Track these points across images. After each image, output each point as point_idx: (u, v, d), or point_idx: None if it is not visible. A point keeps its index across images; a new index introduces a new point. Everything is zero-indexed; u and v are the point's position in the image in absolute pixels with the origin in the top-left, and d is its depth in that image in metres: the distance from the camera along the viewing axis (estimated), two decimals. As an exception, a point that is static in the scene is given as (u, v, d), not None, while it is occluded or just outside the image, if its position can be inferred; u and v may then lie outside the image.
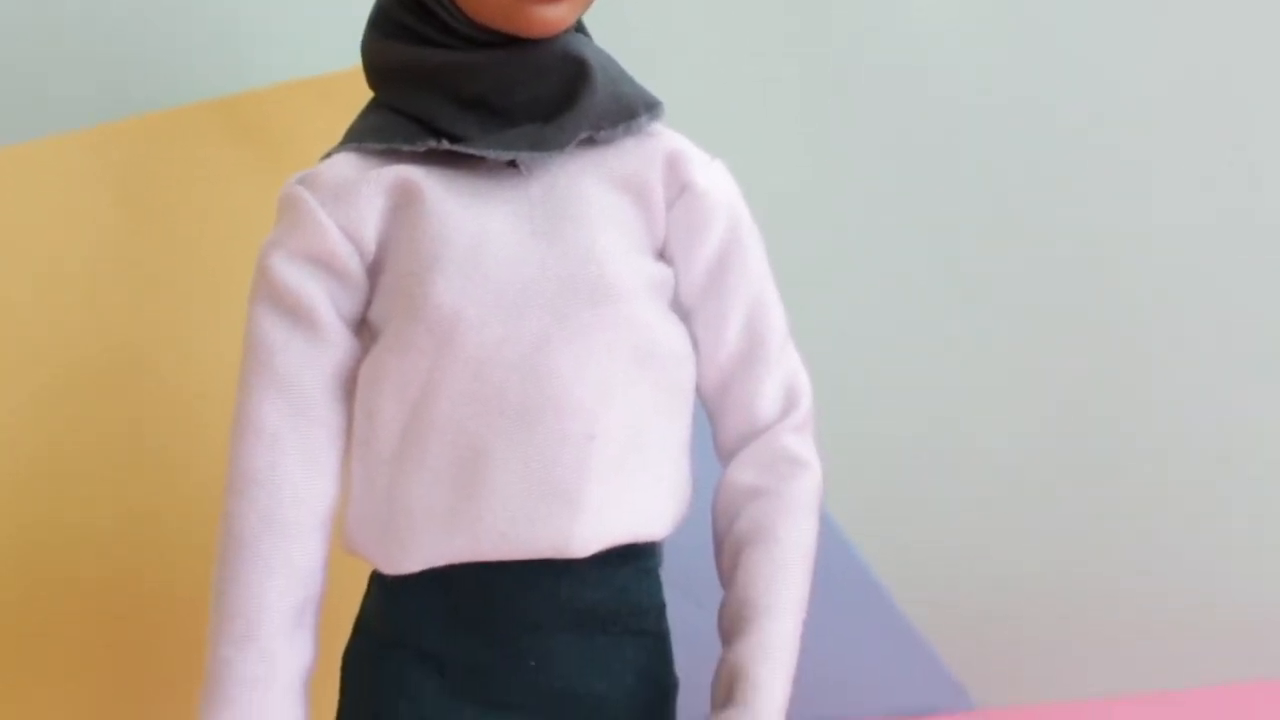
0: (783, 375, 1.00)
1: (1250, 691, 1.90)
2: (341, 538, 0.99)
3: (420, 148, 0.94)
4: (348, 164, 0.95)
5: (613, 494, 0.93)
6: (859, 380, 1.65)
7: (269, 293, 0.95)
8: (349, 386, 0.96)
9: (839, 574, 1.74)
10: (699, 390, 1.00)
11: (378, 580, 0.99)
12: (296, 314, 0.94)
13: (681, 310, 0.99)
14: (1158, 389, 1.71)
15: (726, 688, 0.95)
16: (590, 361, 0.92)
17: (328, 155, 0.97)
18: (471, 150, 0.93)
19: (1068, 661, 1.85)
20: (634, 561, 0.97)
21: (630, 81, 0.98)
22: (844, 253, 1.64)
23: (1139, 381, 1.71)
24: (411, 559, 0.93)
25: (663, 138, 0.98)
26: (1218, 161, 1.65)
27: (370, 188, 0.94)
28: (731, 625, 0.97)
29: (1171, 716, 1.86)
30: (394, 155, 0.95)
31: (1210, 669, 1.86)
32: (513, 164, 0.94)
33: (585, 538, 0.92)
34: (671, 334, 0.97)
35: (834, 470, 1.50)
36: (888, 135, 1.59)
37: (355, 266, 0.94)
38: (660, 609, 1.00)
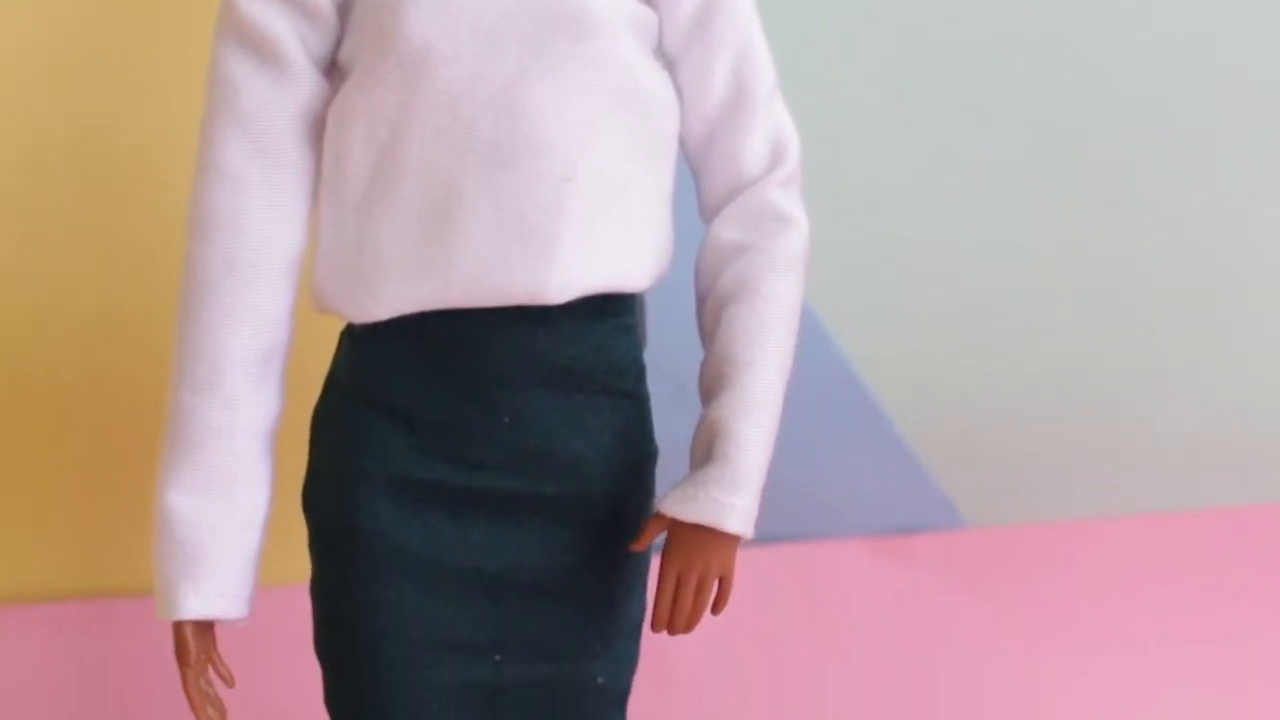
0: (770, 127, 0.96)
1: (1248, 515, 1.88)
2: (310, 296, 0.95)
3: None
4: None
5: (590, 240, 0.90)
6: (854, 184, 1.61)
7: (234, 29, 0.91)
8: (317, 130, 0.92)
9: (829, 385, 1.71)
10: (683, 145, 0.97)
11: (348, 335, 0.96)
12: (263, 51, 0.90)
13: (666, 60, 0.95)
14: (1163, 198, 1.66)
15: (705, 445, 0.92)
16: (568, 100, 0.88)
17: None
18: None
19: (1061, 481, 1.83)
20: (612, 317, 0.94)
21: None
22: (838, 55, 1.59)
23: (1144, 190, 1.66)
24: (381, 305, 0.90)
25: None
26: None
27: None
28: (712, 383, 0.93)
29: (1167, 540, 1.85)
30: None
31: (1208, 492, 1.84)
32: None
33: (560, 283, 0.89)
34: (654, 78, 0.93)
35: (825, 278, 1.47)
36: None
37: (325, 2, 0.90)
38: (640, 371, 0.97)
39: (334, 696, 0.96)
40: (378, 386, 0.93)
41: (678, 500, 0.91)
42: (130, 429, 1.44)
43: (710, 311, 0.96)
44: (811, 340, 1.68)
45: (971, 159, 1.63)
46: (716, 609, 0.95)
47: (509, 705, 0.96)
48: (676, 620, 0.94)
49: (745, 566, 1.84)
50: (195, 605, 0.91)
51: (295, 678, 1.75)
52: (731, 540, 0.92)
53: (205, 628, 0.94)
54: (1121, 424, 1.78)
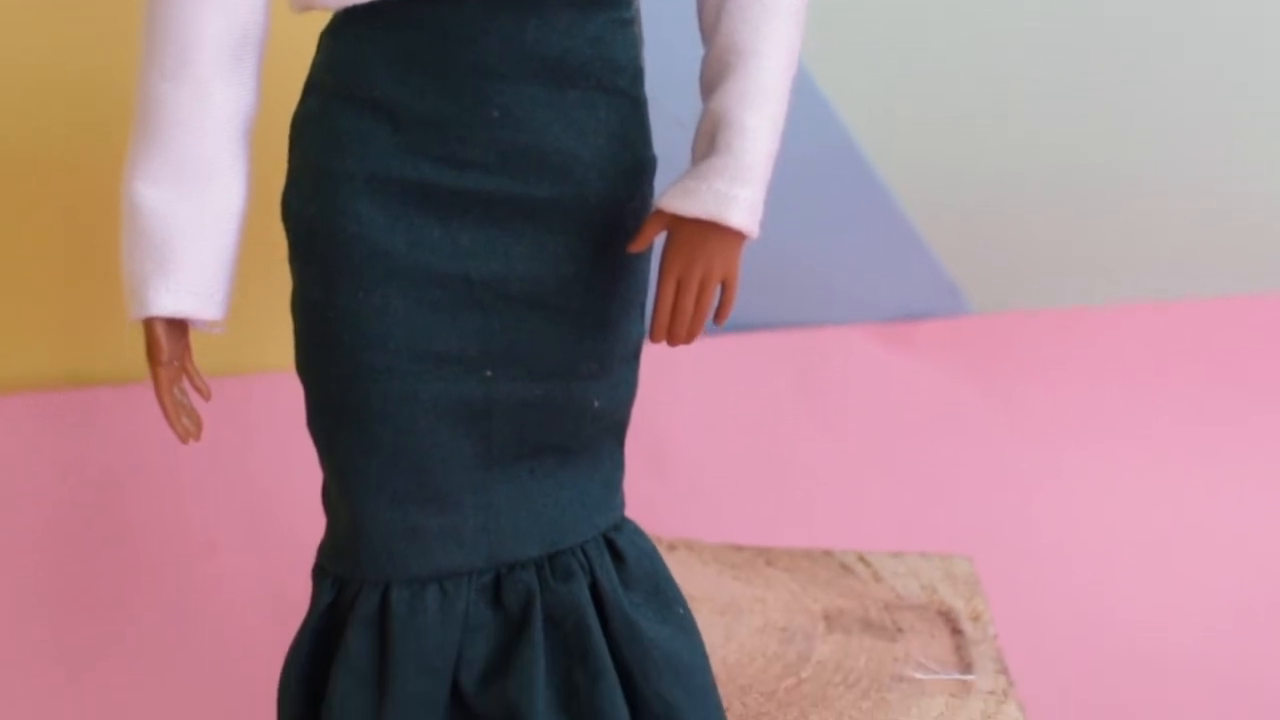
0: None
1: (1252, 304, 1.83)
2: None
3: None
4: None
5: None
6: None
7: None
8: None
9: (830, 159, 1.66)
10: None
11: (328, 34, 0.90)
12: None
13: None
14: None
15: (708, 138, 0.87)
16: None
17: None
18: None
19: (1067, 268, 1.79)
20: (608, 9, 0.88)
21: None
22: None
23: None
24: None
25: None
26: None
27: None
28: (714, 76, 0.88)
29: (1172, 328, 1.81)
30: None
31: (1212, 280, 1.79)
32: None
33: None
34: None
35: (836, 60, 1.41)
36: None
37: None
38: (638, 71, 0.91)
39: (317, 415, 0.92)
40: (358, 81, 0.87)
41: (678, 195, 0.86)
42: (112, 215, 1.40)
43: (710, 6, 0.90)
44: (810, 108, 1.63)
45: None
46: (719, 317, 0.90)
47: (500, 425, 0.92)
48: (677, 328, 0.89)
49: (743, 354, 1.81)
50: (166, 302, 0.86)
51: (287, 465, 1.72)
52: (735, 238, 0.87)
53: (178, 330, 0.89)
54: (1128, 211, 1.74)
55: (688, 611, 0.99)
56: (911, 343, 1.76)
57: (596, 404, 0.94)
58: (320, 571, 0.95)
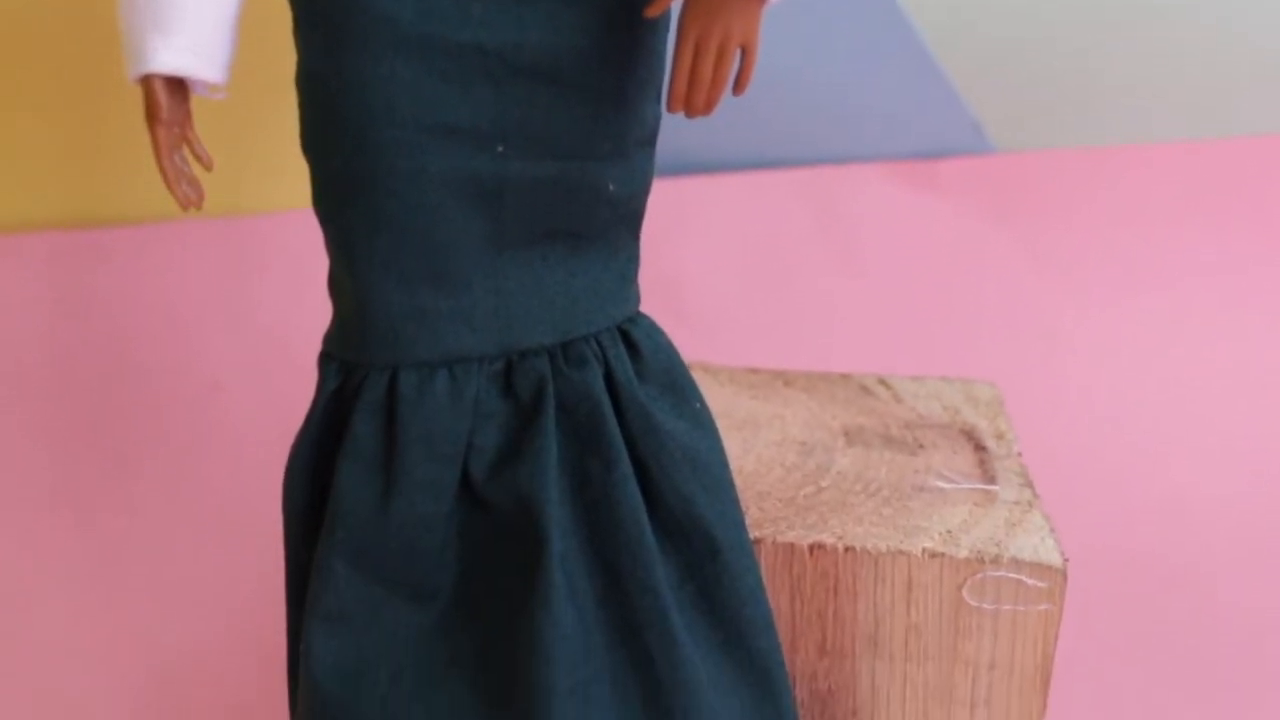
0: None
1: (1274, 144, 1.79)
2: None
3: None
4: None
5: None
6: None
7: None
8: None
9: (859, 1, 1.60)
10: None
11: None
12: None
13: None
14: None
15: None
16: None
17: None
18: None
19: (1094, 106, 1.73)
20: None
21: None
22: None
23: None
24: None
25: None
26: None
27: None
28: None
29: (1201, 167, 1.76)
30: None
31: (1245, 118, 1.74)
32: None
33: None
34: None
35: None
36: None
37: None
38: None
39: (323, 193, 0.88)
40: None
41: (696, -47, 0.82)
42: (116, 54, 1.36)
43: None
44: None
45: None
46: (739, 87, 0.86)
47: (511, 205, 0.88)
48: (695, 95, 0.85)
49: (761, 193, 1.77)
50: (165, 58, 0.82)
51: (293, 304, 1.69)
52: (755, 0, 0.82)
53: (178, 93, 0.85)
54: (1158, 46, 1.68)
55: (705, 407, 0.96)
56: (933, 181, 1.72)
57: (611, 188, 0.91)
58: (326, 359, 0.92)
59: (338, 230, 0.88)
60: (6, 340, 1.70)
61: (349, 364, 0.90)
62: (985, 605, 1.00)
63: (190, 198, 0.86)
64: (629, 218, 0.94)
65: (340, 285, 0.90)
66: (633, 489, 0.90)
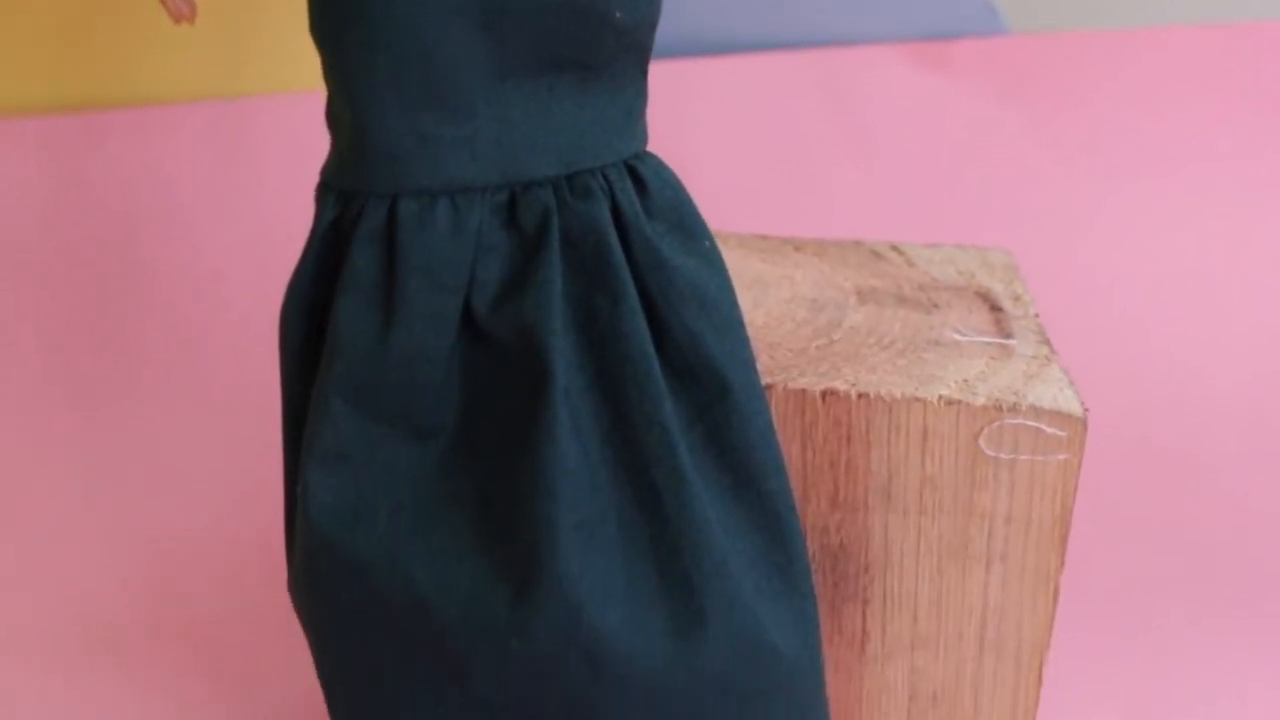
0: None
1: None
2: None
3: None
4: None
5: None
6: None
7: None
8: None
9: None
10: None
11: None
12: None
13: None
14: None
15: None
16: None
17: None
18: None
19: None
20: None
21: None
22: None
23: None
24: None
25: None
26: None
27: None
28: None
29: (1220, 51, 1.72)
30: None
31: (1251, 3, 1.70)
32: None
33: None
34: None
35: None
36: None
37: None
38: None
39: (322, 16, 0.86)
40: None
41: None
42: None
43: None
44: None
45: None
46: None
47: (514, 29, 0.85)
48: None
49: (769, 74, 1.73)
50: None
51: (291, 188, 1.66)
52: None
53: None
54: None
55: (714, 245, 0.93)
56: (945, 63, 1.68)
57: (618, 15, 0.87)
58: (323, 189, 0.89)
59: (336, 52, 0.85)
60: (2, 226, 1.67)
61: (347, 193, 0.87)
62: (1002, 455, 0.98)
63: (183, 10, 0.83)
64: (636, 49, 0.91)
65: (338, 114, 0.87)
66: (640, 323, 0.87)
